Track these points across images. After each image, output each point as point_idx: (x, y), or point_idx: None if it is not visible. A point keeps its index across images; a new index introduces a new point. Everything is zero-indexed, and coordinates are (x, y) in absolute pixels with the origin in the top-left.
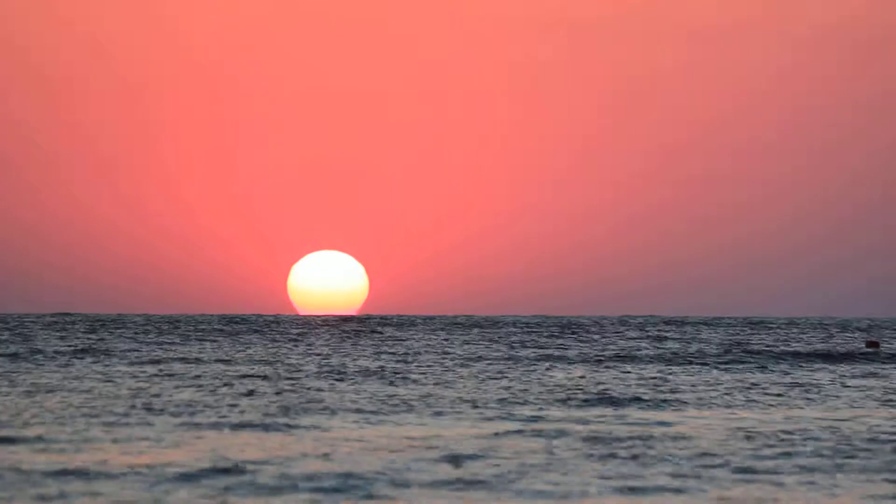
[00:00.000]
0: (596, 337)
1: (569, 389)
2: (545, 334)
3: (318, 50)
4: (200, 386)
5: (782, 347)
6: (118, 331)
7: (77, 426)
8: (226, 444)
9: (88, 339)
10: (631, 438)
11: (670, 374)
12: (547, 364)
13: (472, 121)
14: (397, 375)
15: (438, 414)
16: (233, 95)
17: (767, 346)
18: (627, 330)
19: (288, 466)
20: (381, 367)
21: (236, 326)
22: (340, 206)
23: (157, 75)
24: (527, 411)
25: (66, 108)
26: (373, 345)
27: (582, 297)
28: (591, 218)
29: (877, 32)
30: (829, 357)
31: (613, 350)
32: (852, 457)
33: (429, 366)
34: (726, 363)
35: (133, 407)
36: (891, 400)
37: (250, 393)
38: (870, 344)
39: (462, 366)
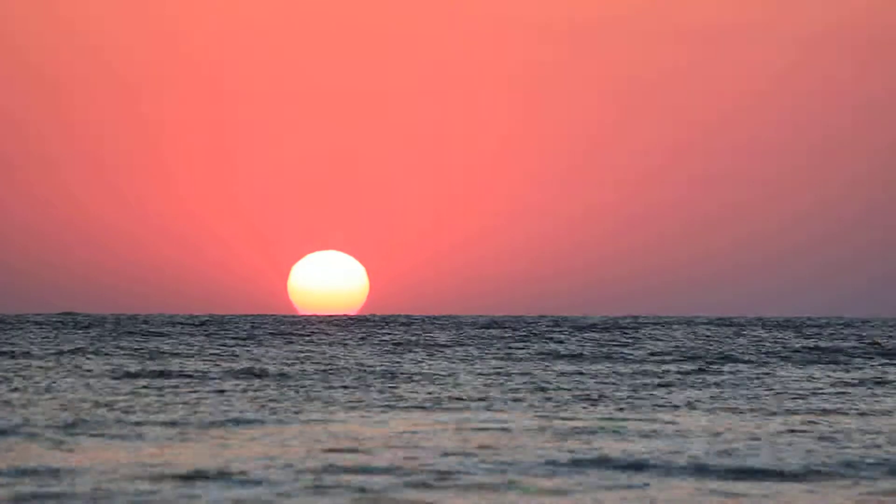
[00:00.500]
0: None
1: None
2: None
3: (318, 50)
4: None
5: (840, 344)
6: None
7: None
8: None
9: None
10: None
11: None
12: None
13: (473, 121)
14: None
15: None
16: (233, 95)
17: (824, 344)
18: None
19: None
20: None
21: (258, 331)
22: (340, 206)
23: (157, 75)
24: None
25: (66, 108)
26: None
27: (582, 298)
28: (591, 218)
29: (877, 33)
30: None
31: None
32: None
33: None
34: (817, 362)
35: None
36: None
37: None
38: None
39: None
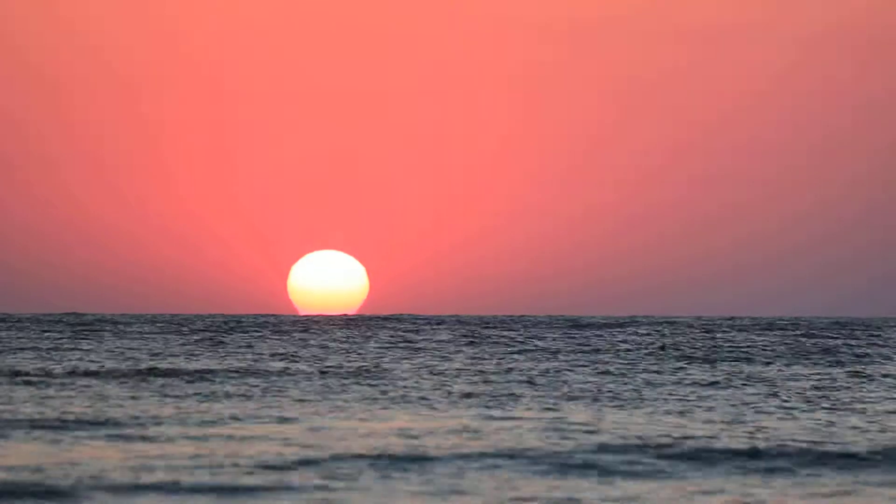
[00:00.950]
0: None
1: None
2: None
3: (318, 50)
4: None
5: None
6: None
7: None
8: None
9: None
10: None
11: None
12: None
13: (473, 121)
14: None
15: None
16: (233, 95)
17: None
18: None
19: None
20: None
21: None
22: (340, 205)
23: (157, 75)
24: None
25: (66, 108)
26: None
27: (583, 298)
28: (591, 218)
29: (877, 33)
30: None
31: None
32: None
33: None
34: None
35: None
36: None
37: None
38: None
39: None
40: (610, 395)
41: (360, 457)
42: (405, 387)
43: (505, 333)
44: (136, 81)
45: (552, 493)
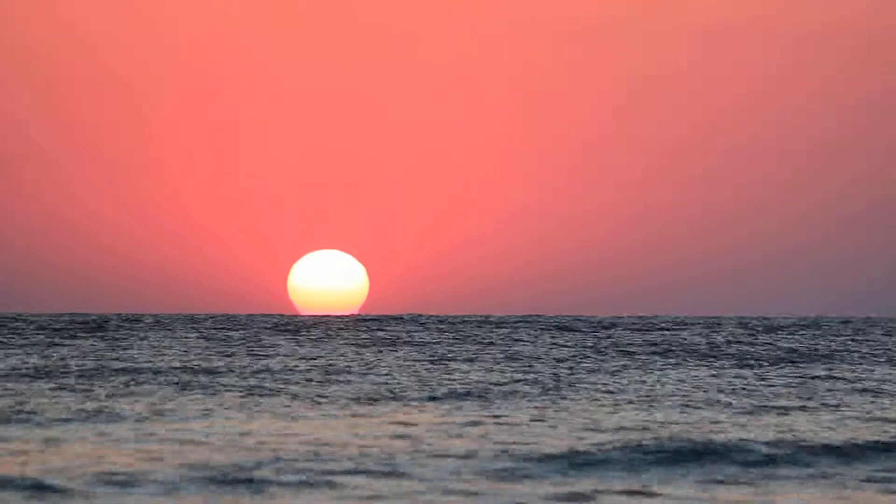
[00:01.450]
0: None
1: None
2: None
3: (318, 50)
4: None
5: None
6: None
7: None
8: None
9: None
10: None
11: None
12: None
13: (473, 121)
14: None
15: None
16: (233, 95)
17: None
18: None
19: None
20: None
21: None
22: (340, 205)
23: (157, 75)
24: None
25: (66, 108)
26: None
27: (583, 297)
28: (591, 218)
29: (877, 32)
30: None
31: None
32: None
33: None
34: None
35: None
36: None
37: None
38: None
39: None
40: (617, 392)
41: (341, 457)
42: (387, 384)
43: (513, 335)
44: (136, 81)
45: (552, 492)
